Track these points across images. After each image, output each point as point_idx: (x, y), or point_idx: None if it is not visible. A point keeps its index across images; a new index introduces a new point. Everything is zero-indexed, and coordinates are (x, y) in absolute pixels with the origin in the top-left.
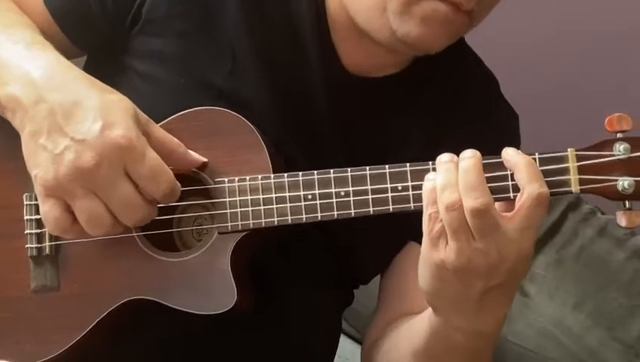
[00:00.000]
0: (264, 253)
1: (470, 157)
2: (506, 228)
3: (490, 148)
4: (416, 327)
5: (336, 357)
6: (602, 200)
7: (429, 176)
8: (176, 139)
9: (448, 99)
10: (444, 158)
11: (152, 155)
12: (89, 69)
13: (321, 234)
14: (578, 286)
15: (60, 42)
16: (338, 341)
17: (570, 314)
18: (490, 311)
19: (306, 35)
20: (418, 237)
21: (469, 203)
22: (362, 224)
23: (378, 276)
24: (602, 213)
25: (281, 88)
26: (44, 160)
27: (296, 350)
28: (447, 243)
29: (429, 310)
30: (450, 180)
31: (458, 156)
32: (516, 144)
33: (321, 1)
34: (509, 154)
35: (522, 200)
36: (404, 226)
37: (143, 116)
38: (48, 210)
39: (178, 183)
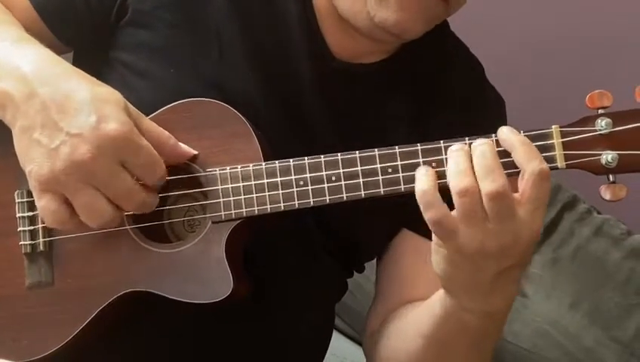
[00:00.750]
0: (257, 241)
1: (485, 142)
2: (518, 212)
3: (477, 133)
4: (425, 311)
5: (332, 356)
6: (598, 200)
7: (420, 175)
8: (166, 132)
9: (435, 84)
10: (454, 147)
11: (146, 145)
12: (76, 64)
13: (314, 221)
14: (574, 285)
15: (45, 39)
16: (332, 330)
17: (567, 313)
18: (501, 291)
19: (292, 21)
20: (413, 225)
21: (488, 186)
22: (355, 210)
23: (373, 270)
24: (598, 213)
25: (269, 73)
26: (38, 155)
27: (289, 339)
28: (458, 229)
29: (439, 294)
30: (461, 167)
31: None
32: None
33: None
34: (505, 133)
35: (525, 179)
36: (398, 213)
37: (133, 109)
38: (45, 205)
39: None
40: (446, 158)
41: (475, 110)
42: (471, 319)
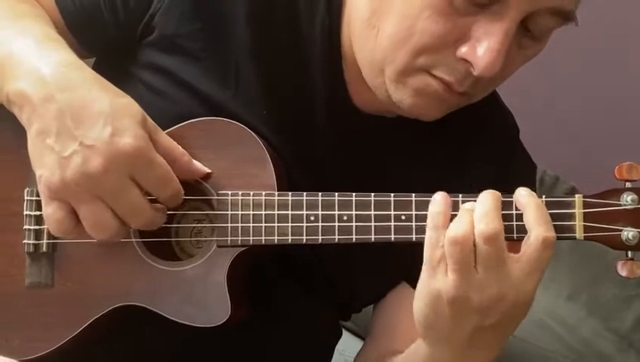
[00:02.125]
0: (262, 265)
1: (489, 191)
2: (511, 268)
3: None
4: (406, 359)
5: (340, 355)
6: (598, 188)
7: (436, 196)
8: (180, 148)
9: (463, 144)
10: (467, 206)
11: (160, 162)
12: (97, 71)
13: (317, 262)
14: (573, 277)
15: (68, 41)
16: (333, 350)
17: (565, 304)
18: (479, 351)
19: (316, 65)
20: (413, 280)
21: (481, 227)
22: (358, 254)
23: None
24: None
25: (284, 114)
26: (50, 161)
27: (291, 357)
28: (446, 272)
29: (419, 342)
30: (462, 216)
31: None
32: None
33: (335, 32)
34: (522, 194)
35: (529, 242)
36: (401, 264)
37: (151, 122)
38: (52, 212)
39: (182, 189)
40: None
41: (504, 175)
42: None
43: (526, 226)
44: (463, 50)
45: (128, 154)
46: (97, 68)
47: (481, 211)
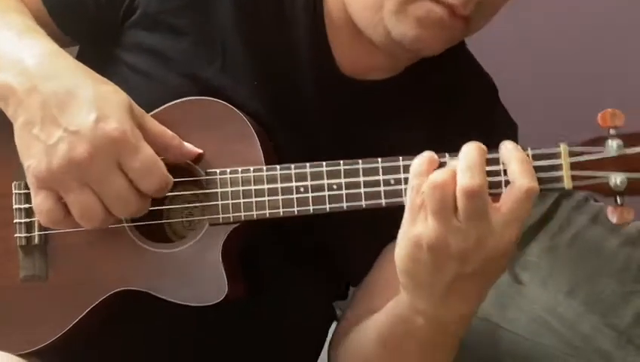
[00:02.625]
0: (255, 242)
1: (474, 144)
2: (492, 218)
3: None
4: (382, 314)
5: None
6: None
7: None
8: (170, 132)
9: (444, 105)
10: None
11: (146, 149)
12: (81, 58)
13: (311, 238)
14: (571, 272)
15: (51, 31)
16: (327, 332)
17: (564, 300)
18: (457, 300)
19: (299, 31)
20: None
21: (465, 181)
22: (352, 224)
23: None
24: (595, 201)
25: (272, 85)
26: (37, 151)
27: (285, 338)
28: (426, 218)
29: (398, 296)
30: (446, 167)
31: None
32: None
33: None
34: (507, 148)
35: (511, 192)
36: (393, 226)
37: (138, 109)
38: (41, 202)
39: (170, 177)
40: None
41: (486, 134)
42: (421, 324)
43: (510, 178)
44: None
45: (114, 140)
46: (81, 55)
47: (463, 164)
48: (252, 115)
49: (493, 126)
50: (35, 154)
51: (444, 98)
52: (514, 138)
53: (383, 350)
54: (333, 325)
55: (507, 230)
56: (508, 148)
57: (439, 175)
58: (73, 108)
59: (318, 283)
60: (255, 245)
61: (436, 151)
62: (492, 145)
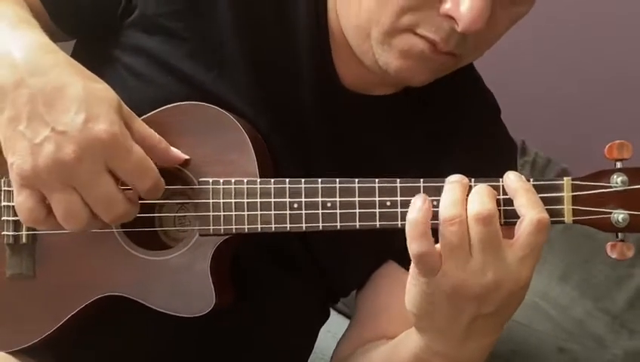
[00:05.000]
0: (245, 252)
1: (484, 185)
2: (506, 254)
3: (485, 177)
4: (393, 350)
5: (328, 333)
6: (590, 170)
7: (417, 201)
8: (157, 135)
9: (446, 123)
10: (452, 178)
11: (137, 150)
12: (76, 55)
13: (302, 246)
14: (564, 258)
15: (46, 25)
16: (313, 345)
17: (557, 285)
18: (476, 339)
19: (302, 43)
20: (399, 257)
21: (476, 207)
22: (344, 236)
23: None
24: None
25: (270, 95)
26: (22, 148)
27: (273, 342)
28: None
29: (409, 334)
30: (454, 197)
31: None
32: None
33: (322, 10)
34: (511, 179)
35: (522, 226)
36: (386, 242)
37: (127, 109)
38: (23, 201)
39: (162, 179)
40: None
41: (486, 154)
42: None
43: (518, 211)
44: (446, 7)
45: (103, 142)
46: (76, 52)
47: (475, 193)
48: (249, 123)
49: (493, 148)
50: (20, 151)
51: (445, 118)
52: (513, 158)
53: None
54: (331, 330)
55: (524, 265)
56: (512, 180)
57: (449, 211)
58: (61, 106)
59: (307, 285)
60: (246, 253)
61: (435, 170)
62: (491, 165)
